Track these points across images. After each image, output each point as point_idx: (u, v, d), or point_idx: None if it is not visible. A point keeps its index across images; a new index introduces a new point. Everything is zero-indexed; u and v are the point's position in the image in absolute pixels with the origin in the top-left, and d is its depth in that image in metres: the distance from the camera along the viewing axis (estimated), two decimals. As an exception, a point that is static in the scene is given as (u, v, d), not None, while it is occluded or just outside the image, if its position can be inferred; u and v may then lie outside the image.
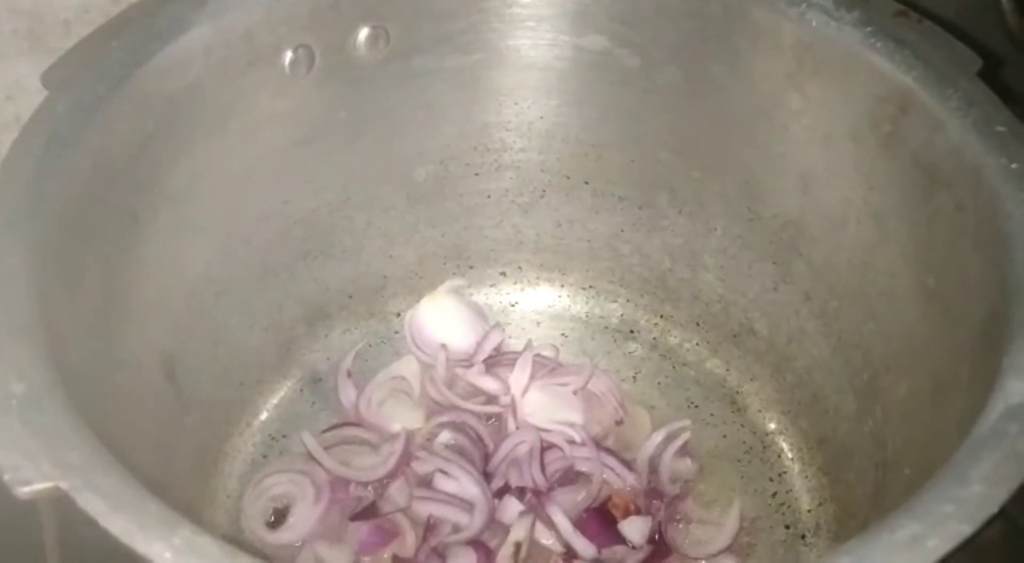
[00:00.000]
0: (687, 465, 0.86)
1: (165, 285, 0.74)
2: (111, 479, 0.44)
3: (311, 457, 0.85)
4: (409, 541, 0.80)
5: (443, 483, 0.82)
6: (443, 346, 0.91)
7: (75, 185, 0.62)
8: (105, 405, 0.60)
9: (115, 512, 0.42)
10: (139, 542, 0.41)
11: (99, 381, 0.61)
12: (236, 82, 0.74)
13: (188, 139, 0.72)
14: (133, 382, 0.69)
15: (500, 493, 0.82)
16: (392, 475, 0.84)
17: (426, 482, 0.83)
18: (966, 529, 0.43)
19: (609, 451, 0.86)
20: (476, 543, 0.79)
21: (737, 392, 0.92)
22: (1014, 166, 0.60)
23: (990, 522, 0.43)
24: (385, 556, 0.80)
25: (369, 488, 0.83)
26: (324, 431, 0.88)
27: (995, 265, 0.59)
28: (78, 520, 0.44)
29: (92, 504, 0.43)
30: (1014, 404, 0.48)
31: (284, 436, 0.88)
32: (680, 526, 0.82)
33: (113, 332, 0.66)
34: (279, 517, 0.82)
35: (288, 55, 0.76)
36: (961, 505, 0.44)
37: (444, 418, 0.88)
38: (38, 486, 0.44)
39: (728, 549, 0.81)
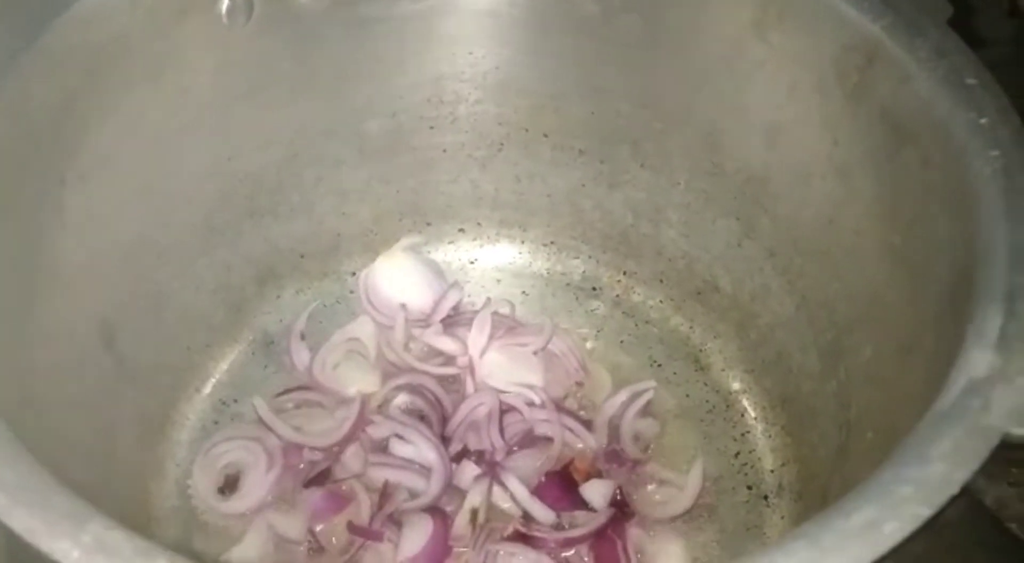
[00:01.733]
0: (649, 425, 0.84)
1: (98, 249, 0.70)
2: (15, 470, 0.41)
3: (263, 423, 0.82)
4: (364, 508, 0.78)
5: (399, 448, 0.80)
6: (403, 306, 0.89)
7: (-11, 146, 0.58)
8: (27, 381, 0.57)
9: (17, 506, 0.39)
10: (43, 539, 0.38)
11: (20, 356, 0.58)
12: (168, 32, 0.70)
13: (117, 95, 0.68)
14: (64, 353, 0.66)
15: (458, 457, 0.80)
16: (347, 440, 0.81)
17: (382, 447, 0.81)
18: (925, 511, 0.41)
19: (569, 412, 0.84)
20: (433, 509, 0.77)
21: (700, 350, 0.89)
22: (983, 121, 0.58)
23: (951, 502, 0.41)
24: (339, 523, 0.78)
25: (323, 453, 0.81)
26: (277, 395, 0.85)
27: (962, 225, 0.56)
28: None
29: (-7, 498, 0.40)
30: (976, 377, 0.46)
31: (235, 401, 0.85)
32: (642, 488, 0.80)
33: (39, 302, 0.62)
34: (231, 485, 0.80)
35: (225, 2, 0.72)
36: (920, 486, 0.42)
37: (401, 381, 0.85)
38: (-67, 480, 0.40)
39: (690, 510, 0.79)
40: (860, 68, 0.66)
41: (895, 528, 0.40)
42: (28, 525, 0.38)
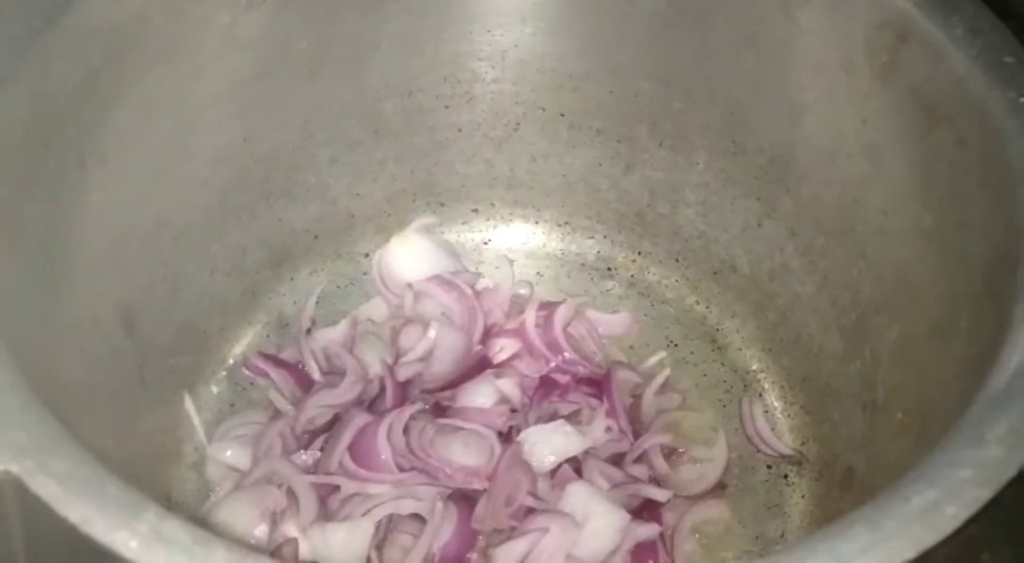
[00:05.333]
0: (669, 399, 0.84)
1: (118, 233, 0.69)
2: (66, 460, 0.40)
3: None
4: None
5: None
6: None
7: (12, 129, 0.57)
8: (56, 368, 0.56)
9: (72, 496, 0.39)
10: (99, 530, 0.37)
11: (49, 343, 0.57)
12: (186, 11, 0.69)
13: (135, 75, 0.66)
14: (87, 339, 0.65)
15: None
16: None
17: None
18: (985, 494, 0.41)
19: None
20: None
21: (717, 330, 0.89)
22: (1022, 100, 0.57)
23: (1007, 485, 0.41)
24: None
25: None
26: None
27: (1001, 206, 0.56)
28: (38, 503, 0.40)
29: (46, 489, 0.39)
30: (1030, 358, 0.46)
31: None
32: (672, 466, 0.80)
33: (63, 288, 0.61)
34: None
35: (242, -20, 0.71)
36: (979, 468, 0.42)
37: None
38: (-13, 470, 0.40)
39: (712, 489, 0.79)
40: (891, 47, 0.65)
41: (955, 511, 0.40)
42: (83, 515, 0.38)
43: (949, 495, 0.41)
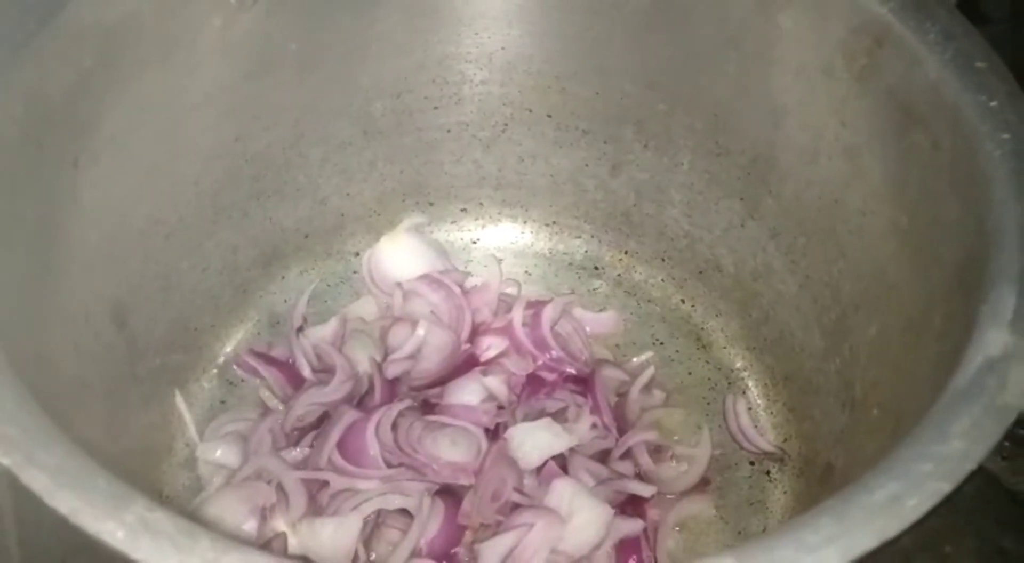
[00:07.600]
0: (655, 397, 0.86)
1: (111, 230, 0.70)
2: (56, 453, 0.42)
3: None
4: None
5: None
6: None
7: (6, 129, 0.58)
8: (48, 364, 0.57)
9: (61, 489, 0.40)
10: (88, 520, 0.39)
11: (41, 339, 0.58)
12: (178, 12, 0.70)
13: (129, 75, 0.68)
14: (80, 335, 0.66)
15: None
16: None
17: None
18: (945, 487, 0.42)
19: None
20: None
21: (702, 329, 0.91)
22: (993, 104, 0.59)
23: (969, 478, 0.42)
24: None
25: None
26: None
27: (972, 207, 0.57)
28: (30, 496, 0.41)
29: (36, 481, 0.40)
30: (992, 356, 0.47)
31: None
32: (656, 463, 0.81)
33: (55, 284, 0.62)
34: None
35: (233, -18, 0.72)
36: (940, 462, 0.43)
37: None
38: (-23, 462, 0.41)
39: (696, 485, 0.81)
40: (868, 51, 0.66)
41: (917, 503, 0.42)
42: (72, 506, 0.39)
43: (911, 487, 0.42)
